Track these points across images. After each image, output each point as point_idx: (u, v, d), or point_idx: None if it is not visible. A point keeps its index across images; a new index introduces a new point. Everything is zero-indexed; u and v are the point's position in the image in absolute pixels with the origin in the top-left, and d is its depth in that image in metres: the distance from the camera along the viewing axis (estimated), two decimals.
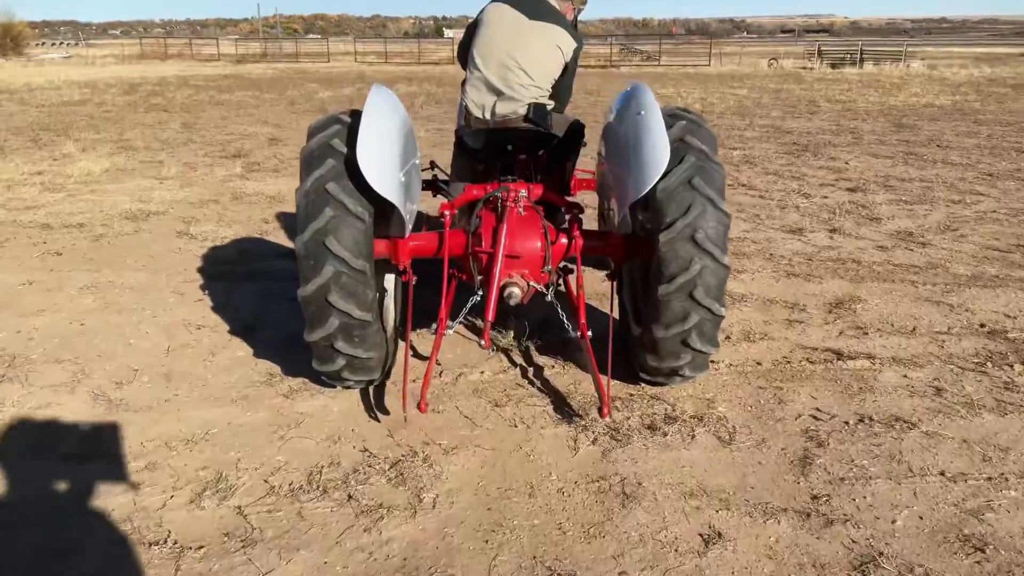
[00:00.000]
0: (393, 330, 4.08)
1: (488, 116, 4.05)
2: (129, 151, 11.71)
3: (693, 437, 3.45)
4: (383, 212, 3.58)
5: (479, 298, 3.79)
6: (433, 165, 5.09)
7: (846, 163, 10.78)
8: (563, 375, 4.11)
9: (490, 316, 3.63)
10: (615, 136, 3.81)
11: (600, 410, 3.43)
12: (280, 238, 6.93)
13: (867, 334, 4.68)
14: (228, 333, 4.69)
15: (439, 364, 4.22)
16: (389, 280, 4.13)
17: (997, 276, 5.83)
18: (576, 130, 4.33)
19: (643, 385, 3.96)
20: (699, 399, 3.83)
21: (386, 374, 3.84)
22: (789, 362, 4.26)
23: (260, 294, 5.37)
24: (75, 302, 5.23)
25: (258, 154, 11.49)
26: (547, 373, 4.13)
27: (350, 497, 3.02)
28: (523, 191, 4.00)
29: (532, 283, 3.81)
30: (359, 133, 3.36)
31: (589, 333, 3.70)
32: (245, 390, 3.94)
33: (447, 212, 4.02)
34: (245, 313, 5.01)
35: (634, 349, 3.91)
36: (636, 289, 4.27)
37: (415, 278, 3.96)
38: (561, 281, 3.97)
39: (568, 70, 4.10)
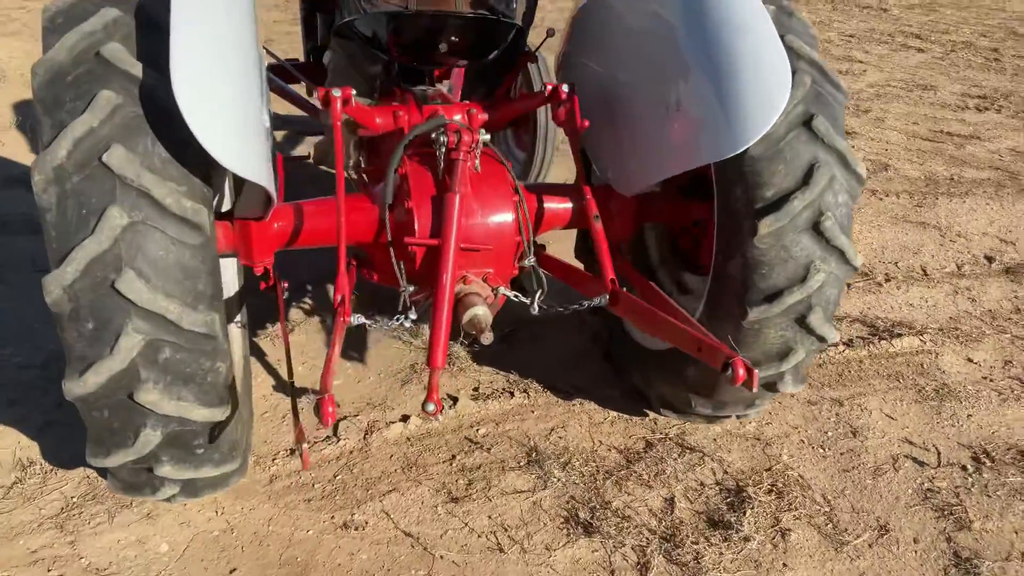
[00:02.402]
0: (243, 368, 2.34)
1: None
2: None
3: (784, 536, 2.17)
4: (218, 176, 1.83)
5: (409, 322, 2.15)
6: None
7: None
8: (532, 408, 2.64)
9: (439, 362, 2.01)
10: (632, 32, 2.19)
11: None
12: (5, 147, 4.60)
13: (880, 284, 3.59)
14: None
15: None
16: (227, 270, 2.35)
17: (951, 179, 4.99)
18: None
19: (650, 415, 2.62)
20: (744, 439, 2.54)
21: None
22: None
23: None
24: None
25: None
26: (507, 407, 2.64)
27: None
28: (465, 121, 2.32)
29: (502, 289, 2.22)
30: (172, 31, 1.52)
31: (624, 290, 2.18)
32: None
33: (335, 106, 2.06)
34: None
35: (650, 376, 2.51)
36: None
37: (285, 284, 2.24)
38: (535, 263, 2.33)
39: None
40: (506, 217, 2.19)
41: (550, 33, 2.60)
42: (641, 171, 2.17)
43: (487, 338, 2.02)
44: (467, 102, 2.46)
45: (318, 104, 2.12)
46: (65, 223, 1.51)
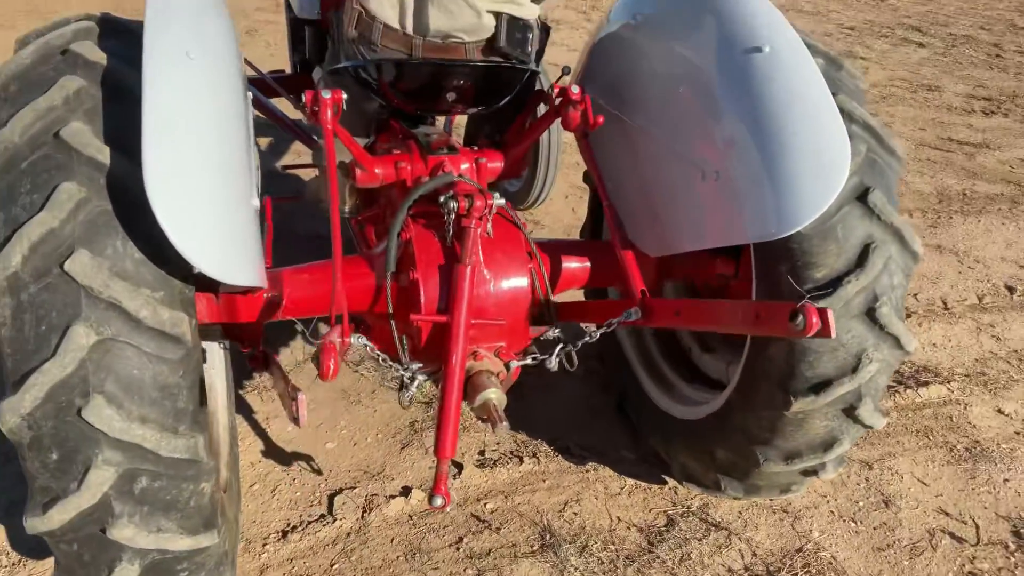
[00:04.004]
0: (230, 438, 2.14)
1: (412, 31, 2.00)
2: None
3: None
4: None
5: (408, 398, 1.96)
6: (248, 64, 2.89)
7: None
8: (543, 475, 2.45)
9: (448, 452, 1.82)
10: (657, 78, 1.98)
11: None
12: None
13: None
14: None
15: (311, 472, 2.38)
16: (212, 354, 2.13)
17: (964, 195, 4.83)
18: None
19: (669, 482, 2.44)
20: (772, 512, 2.37)
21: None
22: None
23: None
24: None
25: None
26: (516, 475, 2.45)
27: None
28: (475, 173, 2.11)
29: (515, 362, 2.02)
30: (144, 103, 1.31)
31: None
32: None
33: (324, 113, 1.81)
34: None
35: (674, 447, 2.32)
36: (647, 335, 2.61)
37: (278, 357, 2.04)
38: (559, 332, 2.11)
39: None
40: (521, 285, 1.98)
41: (565, 71, 2.38)
42: (670, 237, 1.96)
43: (502, 429, 1.82)
44: (476, 149, 2.24)
45: (304, 115, 1.86)
46: (22, 340, 1.29)
